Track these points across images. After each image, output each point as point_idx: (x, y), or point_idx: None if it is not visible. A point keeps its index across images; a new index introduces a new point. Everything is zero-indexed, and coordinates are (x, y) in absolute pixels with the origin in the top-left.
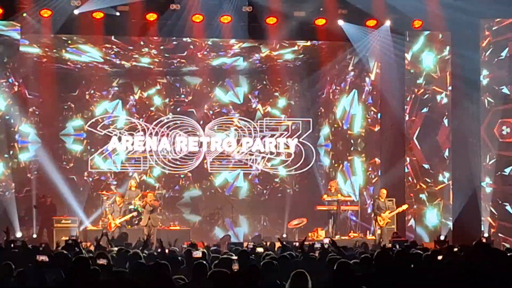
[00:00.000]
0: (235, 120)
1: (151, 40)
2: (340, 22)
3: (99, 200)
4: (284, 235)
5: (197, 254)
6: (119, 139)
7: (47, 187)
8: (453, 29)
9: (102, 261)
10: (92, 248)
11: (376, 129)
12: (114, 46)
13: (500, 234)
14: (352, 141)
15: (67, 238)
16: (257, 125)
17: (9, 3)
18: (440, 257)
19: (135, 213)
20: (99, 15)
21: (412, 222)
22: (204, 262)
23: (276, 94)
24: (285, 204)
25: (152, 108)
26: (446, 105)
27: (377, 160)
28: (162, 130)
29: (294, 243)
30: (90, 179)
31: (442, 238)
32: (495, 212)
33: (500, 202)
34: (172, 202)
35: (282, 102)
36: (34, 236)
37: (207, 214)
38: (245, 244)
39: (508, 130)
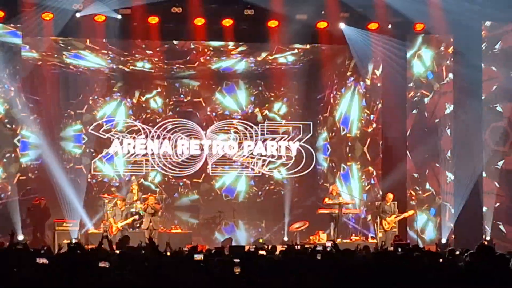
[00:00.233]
0: (236, 123)
1: (153, 44)
2: (342, 26)
3: (100, 203)
4: (285, 238)
5: (199, 257)
6: (121, 142)
7: (48, 190)
8: (455, 32)
9: (103, 264)
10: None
11: (376, 135)
12: (114, 50)
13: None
14: (350, 146)
15: (69, 241)
16: (258, 128)
17: (11, 6)
18: (440, 260)
19: (136, 216)
20: (100, 18)
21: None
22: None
23: (276, 97)
24: (285, 208)
25: (153, 111)
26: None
27: (371, 168)
28: (164, 134)
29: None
30: (94, 180)
31: (443, 241)
32: None
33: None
34: (173, 205)
35: (282, 105)
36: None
37: (208, 218)
38: (246, 247)
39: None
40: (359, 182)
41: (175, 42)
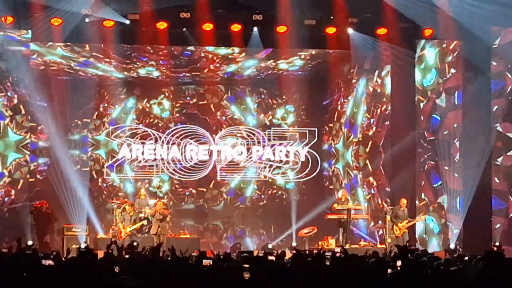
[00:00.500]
0: (244, 129)
1: (160, 49)
2: (350, 31)
3: (109, 208)
4: (294, 244)
5: (207, 262)
6: (130, 148)
7: (57, 195)
8: (464, 37)
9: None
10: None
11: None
12: (121, 56)
13: None
14: (355, 152)
15: (78, 246)
16: (265, 134)
17: (20, 11)
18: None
19: (145, 222)
20: (109, 24)
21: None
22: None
23: (283, 103)
24: (294, 213)
25: (161, 117)
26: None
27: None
28: (173, 139)
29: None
30: (105, 184)
31: (452, 246)
32: None
33: None
34: (182, 211)
35: (289, 111)
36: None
37: (216, 223)
38: (255, 253)
39: None
40: (362, 190)
41: (184, 52)
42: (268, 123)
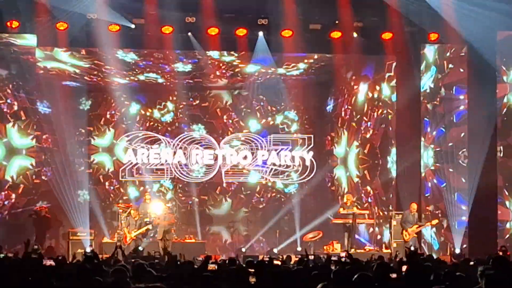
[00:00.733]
0: (249, 134)
1: (165, 54)
2: (355, 35)
3: (114, 213)
4: (299, 248)
5: (213, 266)
6: (135, 152)
7: (61, 199)
8: (470, 42)
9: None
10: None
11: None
12: (126, 61)
13: None
14: (358, 155)
15: (83, 251)
16: (271, 138)
17: (25, 16)
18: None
19: (150, 226)
20: (114, 28)
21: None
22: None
23: (288, 107)
24: (297, 219)
25: (166, 122)
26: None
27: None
28: (180, 144)
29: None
30: (111, 187)
31: (457, 251)
32: None
33: None
34: (187, 216)
35: (293, 115)
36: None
37: (221, 227)
38: (260, 257)
39: None
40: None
41: (190, 60)
42: (273, 127)
